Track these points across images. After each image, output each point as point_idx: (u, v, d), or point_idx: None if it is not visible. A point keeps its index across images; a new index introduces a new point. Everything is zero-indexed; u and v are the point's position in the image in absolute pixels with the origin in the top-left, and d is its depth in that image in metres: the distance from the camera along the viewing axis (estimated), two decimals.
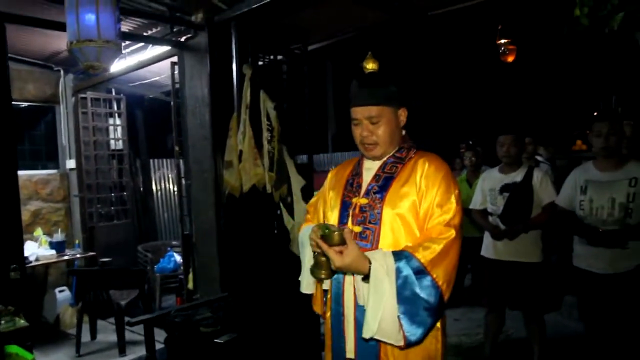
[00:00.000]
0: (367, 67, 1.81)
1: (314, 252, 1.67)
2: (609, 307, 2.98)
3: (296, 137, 4.04)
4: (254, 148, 3.57)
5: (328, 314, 1.85)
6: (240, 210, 3.75)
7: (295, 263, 1.90)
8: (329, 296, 1.84)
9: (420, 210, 1.69)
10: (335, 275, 1.75)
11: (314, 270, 1.67)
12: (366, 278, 1.58)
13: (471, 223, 4.26)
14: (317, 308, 1.95)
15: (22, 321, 2.47)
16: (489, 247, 3.69)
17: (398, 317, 1.54)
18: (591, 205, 3.01)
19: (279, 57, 4.18)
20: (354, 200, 1.79)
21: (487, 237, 3.75)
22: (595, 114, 3.49)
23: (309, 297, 2.04)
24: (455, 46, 5.98)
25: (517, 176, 3.61)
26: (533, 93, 7.68)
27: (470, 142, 5.50)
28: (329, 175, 2.02)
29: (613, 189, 2.94)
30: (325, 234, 1.59)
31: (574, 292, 3.70)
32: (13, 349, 2.03)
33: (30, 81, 5.72)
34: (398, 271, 1.55)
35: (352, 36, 4.66)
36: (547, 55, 6.61)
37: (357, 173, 1.88)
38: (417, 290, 1.55)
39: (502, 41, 5.51)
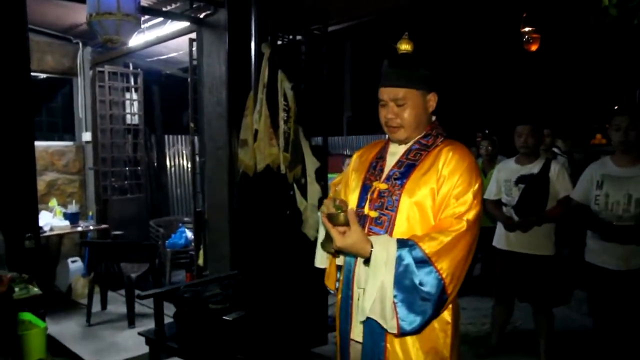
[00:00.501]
0: (401, 48, 1.75)
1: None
2: (620, 304, 2.95)
3: (312, 118, 4.02)
4: (269, 128, 3.56)
5: (339, 296, 1.84)
6: (254, 189, 3.75)
7: (306, 245, 1.91)
8: (341, 278, 1.83)
9: (437, 197, 1.65)
10: (347, 259, 1.75)
11: (324, 244, 1.68)
12: (367, 262, 1.58)
13: (484, 213, 4.22)
14: (329, 283, 1.94)
15: (36, 289, 2.50)
16: (502, 238, 3.66)
17: (394, 303, 1.53)
18: (607, 200, 2.97)
19: (298, 37, 4.14)
20: (375, 184, 1.76)
21: (499, 228, 3.72)
22: (616, 107, 3.43)
23: (317, 278, 2.05)
24: (478, 33, 5.88)
25: (534, 168, 3.56)
26: (555, 84, 7.54)
27: (487, 131, 5.44)
28: (354, 156, 2.00)
29: (630, 185, 2.90)
30: (330, 213, 1.58)
31: (585, 287, 3.67)
32: (26, 316, 2.06)
33: (48, 52, 5.74)
34: (399, 259, 1.53)
35: (372, 19, 4.60)
36: (571, 45, 6.48)
37: (381, 157, 1.85)
38: (417, 280, 1.52)
39: (526, 29, 5.39)
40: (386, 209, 1.70)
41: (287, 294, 3.39)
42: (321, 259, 1.91)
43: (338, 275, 1.87)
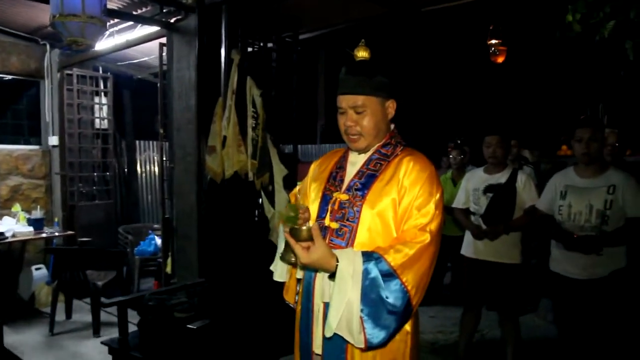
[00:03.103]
0: (358, 55, 1.74)
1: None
2: (583, 312, 3.00)
3: (282, 126, 4.01)
4: (238, 134, 3.54)
5: (298, 308, 1.82)
6: (222, 196, 3.72)
7: (274, 252, 1.87)
8: (300, 289, 1.80)
9: (399, 209, 1.64)
10: (307, 272, 1.73)
11: (284, 256, 1.64)
12: (332, 276, 1.55)
13: (453, 222, 4.27)
14: (289, 297, 1.92)
15: None
16: (469, 246, 3.69)
17: (361, 318, 1.51)
18: (569, 210, 3.03)
19: (269, 44, 4.14)
20: (335, 195, 1.74)
21: (467, 236, 3.75)
22: (581, 117, 3.50)
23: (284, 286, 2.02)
24: (447, 44, 5.97)
25: (502, 177, 3.61)
26: (521, 95, 7.70)
27: (458, 141, 5.50)
28: (312, 165, 1.97)
29: (591, 196, 2.96)
30: (293, 228, 1.55)
31: (550, 295, 3.73)
32: None
33: (14, 53, 5.62)
34: (365, 272, 1.50)
35: (345, 27, 4.63)
36: (537, 58, 6.63)
37: (341, 166, 1.82)
38: (384, 293, 1.51)
39: (493, 41, 5.50)
40: (347, 220, 1.68)
41: (254, 302, 3.35)
42: (280, 273, 1.86)
43: (297, 287, 1.84)
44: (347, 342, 1.58)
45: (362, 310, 1.51)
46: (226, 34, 3.72)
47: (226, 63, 3.69)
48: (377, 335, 1.52)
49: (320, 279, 1.69)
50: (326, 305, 1.66)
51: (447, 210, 5.09)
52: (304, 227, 1.54)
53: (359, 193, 1.69)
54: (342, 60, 1.81)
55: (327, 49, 8.53)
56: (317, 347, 1.71)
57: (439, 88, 7.61)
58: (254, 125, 3.53)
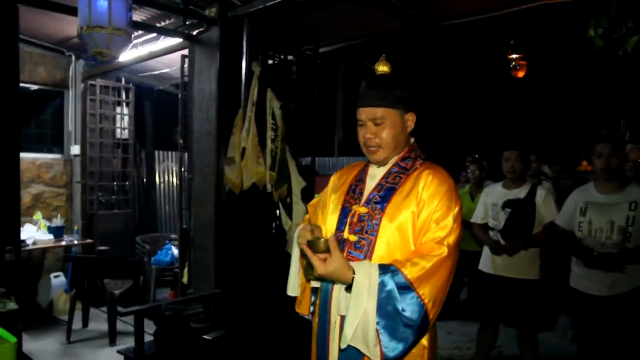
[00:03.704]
0: (378, 69, 1.78)
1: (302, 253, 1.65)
2: (603, 330, 2.94)
3: (301, 138, 4.03)
4: (257, 146, 3.56)
5: (315, 320, 1.82)
6: (240, 207, 3.73)
7: (290, 264, 1.87)
8: (317, 301, 1.80)
9: (417, 222, 1.64)
10: (324, 284, 1.74)
11: (307, 272, 1.65)
12: (349, 288, 1.55)
13: (471, 237, 4.23)
14: (302, 310, 1.91)
15: (12, 304, 2.46)
16: (488, 262, 3.65)
17: (377, 330, 1.51)
18: (590, 227, 2.98)
19: (290, 57, 4.18)
20: (354, 207, 1.74)
21: (486, 252, 3.71)
22: (602, 132, 3.46)
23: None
24: (467, 58, 5.96)
25: (521, 192, 3.58)
26: (542, 110, 7.64)
27: (477, 156, 5.46)
28: (332, 177, 1.98)
29: (613, 212, 2.91)
30: (311, 240, 1.58)
31: (569, 313, 3.66)
32: None
33: (41, 64, 5.74)
34: (382, 285, 1.51)
35: (364, 41, 4.65)
36: (558, 73, 6.58)
37: (360, 179, 1.83)
38: (400, 306, 1.51)
39: (514, 56, 5.48)
40: (366, 233, 1.68)
41: (270, 314, 3.35)
42: (293, 287, 1.86)
43: (313, 298, 1.84)
44: (363, 355, 1.58)
45: (378, 323, 1.51)
46: (247, 46, 3.77)
47: (247, 75, 3.73)
48: (394, 348, 1.51)
49: (338, 291, 1.68)
50: (343, 318, 1.65)
51: (465, 225, 5.04)
52: (322, 239, 1.56)
53: (378, 206, 1.70)
54: (361, 74, 1.82)
55: (346, 63, 8.57)
56: (333, 359, 1.71)
57: (458, 102, 7.59)
58: (273, 137, 3.56)
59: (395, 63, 1.81)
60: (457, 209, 1.66)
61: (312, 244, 1.55)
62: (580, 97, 7.21)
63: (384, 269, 1.54)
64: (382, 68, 1.78)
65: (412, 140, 1.84)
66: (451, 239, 1.61)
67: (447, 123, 7.82)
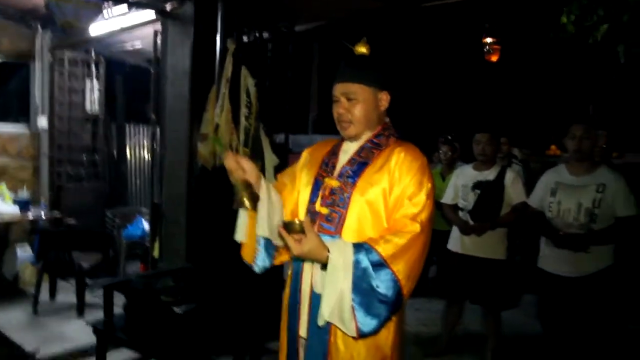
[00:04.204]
0: (358, 50, 1.80)
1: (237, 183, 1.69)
2: (569, 309, 3.02)
3: (275, 116, 4.02)
4: (230, 123, 3.55)
5: (287, 292, 1.86)
6: (212, 183, 3.72)
7: None
8: (289, 272, 1.85)
9: (390, 198, 1.67)
10: (295, 260, 1.78)
11: (238, 199, 1.69)
12: (325, 267, 1.58)
13: (441, 216, 4.32)
14: (247, 257, 1.90)
15: None
16: (456, 241, 3.74)
17: (352, 307, 1.54)
18: (559, 207, 3.05)
19: (265, 34, 4.14)
20: (326, 180, 1.78)
21: (455, 232, 3.80)
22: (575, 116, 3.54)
23: (272, 273, 2.03)
24: (443, 40, 5.99)
25: (490, 174, 3.66)
26: (513, 94, 7.76)
27: (449, 137, 5.53)
28: (305, 152, 2.00)
29: (581, 193, 2.99)
30: (286, 221, 1.62)
31: (535, 292, 3.77)
32: None
33: (4, 35, 5.54)
34: (356, 263, 1.55)
35: (342, 20, 4.63)
36: (530, 58, 6.68)
37: (334, 153, 1.87)
38: (374, 283, 1.54)
39: (488, 40, 5.53)
40: (337, 206, 1.72)
41: (241, 289, 3.37)
42: (241, 233, 1.88)
43: (256, 246, 1.85)
44: (331, 324, 1.62)
45: (353, 300, 1.54)
46: (222, 22, 3.71)
47: (221, 52, 3.69)
48: (369, 323, 1.55)
49: (309, 266, 1.73)
50: (313, 294, 1.71)
51: (436, 206, 5.12)
52: (296, 221, 1.59)
53: (350, 180, 1.73)
54: (337, 53, 1.84)
55: (322, 42, 8.52)
56: (303, 330, 1.76)
57: (432, 83, 7.65)
58: (247, 114, 3.54)
59: (372, 43, 1.83)
60: (429, 185, 1.69)
61: (288, 225, 1.58)
62: (551, 83, 7.34)
63: (358, 247, 1.57)
64: (362, 49, 1.80)
65: (387, 119, 1.87)
66: (424, 215, 1.64)
67: (422, 103, 7.88)
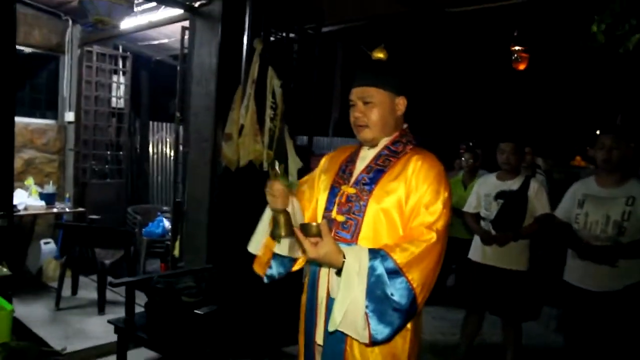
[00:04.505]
0: (375, 55, 1.81)
1: (273, 210, 1.74)
2: (593, 324, 2.96)
3: (299, 117, 4.02)
4: (255, 124, 3.55)
5: (304, 298, 1.87)
6: (235, 184, 3.73)
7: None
8: (306, 279, 1.86)
9: (406, 207, 1.66)
10: (312, 265, 1.80)
11: (274, 232, 1.74)
12: (339, 272, 1.59)
13: (462, 225, 4.28)
14: (258, 268, 1.96)
15: (5, 269, 2.45)
16: (477, 251, 3.70)
17: (366, 314, 1.54)
18: (586, 219, 2.99)
19: (291, 35, 4.14)
20: (343, 188, 1.78)
21: (476, 241, 3.76)
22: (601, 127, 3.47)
23: (292, 277, 2.04)
24: (469, 46, 5.93)
25: (514, 184, 3.61)
26: (539, 103, 7.65)
27: (471, 144, 5.48)
28: (324, 158, 2.01)
29: (609, 206, 2.92)
30: (304, 224, 1.63)
31: (555, 304, 3.72)
32: None
33: (36, 27, 5.62)
34: (371, 269, 1.54)
35: (366, 23, 4.61)
36: (558, 67, 6.58)
37: (351, 160, 1.87)
38: (389, 290, 1.54)
39: (516, 48, 5.46)
40: (353, 213, 1.72)
41: (261, 292, 3.38)
42: (256, 245, 1.93)
43: (274, 266, 1.91)
44: (347, 335, 1.63)
45: (367, 307, 1.54)
46: (250, 22, 3.72)
47: (248, 51, 3.70)
48: (382, 331, 1.54)
49: (325, 272, 1.74)
50: (330, 299, 1.70)
51: (456, 213, 5.08)
52: (314, 224, 1.58)
53: (366, 187, 1.73)
54: (359, 56, 1.86)
55: (345, 44, 8.51)
56: (319, 337, 1.76)
57: (457, 90, 7.58)
58: (272, 115, 3.54)
59: (396, 47, 1.83)
60: (446, 194, 1.68)
61: (304, 228, 1.58)
62: (578, 93, 7.22)
63: (374, 253, 1.57)
64: (379, 55, 1.81)
65: (405, 125, 1.87)
66: (440, 224, 1.64)
67: (445, 110, 7.81)
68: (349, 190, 1.75)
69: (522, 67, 5.50)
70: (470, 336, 3.88)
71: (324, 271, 1.74)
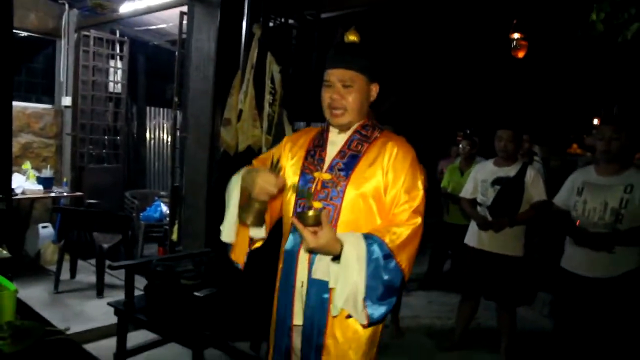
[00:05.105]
0: (349, 38, 1.80)
1: (248, 196, 1.68)
2: (585, 310, 2.99)
3: (297, 103, 4.02)
4: (254, 109, 3.56)
5: (277, 285, 1.87)
6: (234, 169, 3.73)
7: (281, 226, 1.90)
8: (280, 266, 1.85)
9: (387, 195, 1.71)
10: (288, 249, 1.79)
11: (241, 215, 1.70)
12: (335, 259, 1.61)
13: (459, 211, 4.31)
14: (236, 257, 1.92)
15: (5, 252, 2.47)
16: (474, 237, 3.74)
17: (364, 298, 1.60)
18: (584, 206, 3.01)
19: (290, 20, 4.13)
20: (316, 174, 1.77)
21: (472, 227, 3.79)
22: (598, 117, 3.49)
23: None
24: (468, 33, 5.92)
25: (511, 171, 3.64)
26: (537, 91, 7.65)
27: (468, 131, 5.51)
28: (286, 141, 1.96)
29: (608, 193, 2.94)
30: (301, 212, 1.61)
31: (552, 290, 3.74)
32: None
33: (32, 10, 5.58)
34: (369, 255, 1.59)
35: (366, 10, 4.59)
36: (557, 55, 6.57)
37: (319, 145, 1.85)
38: (383, 273, 1.60)
39: (515, 35, 5.44)
40: (331, 199, 1.72)
41: (259, 274, 3.41)
42: (228, 233, 1.86)
43: (248, 248, 1.88)
44: (327, 314, 1.69)
45: (366, 290, 1.59)
46: (249, 7, 3.71)
47: (247, 37, 3.69)
48: (378, 310, 1.62)
49: (305, 257, 1.73)
50: (311, 283, 1.72)
51: (453, 199, 5.09)
52: (311, 213, 1.57)
53: (342, 173, 1.74)
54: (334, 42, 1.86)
55: (345, 30, 8.47)
56: (298, 318, 1.77)
57: (455, 77, 7.57)
58: (271, 101, 3.55)
59: (395, 33, 1.82)
60: (422, 177, 1.77)
61: (302, 217, 1.57)
62: (576, 81, 7.22)
63: (369, 239, 1.61)
64: (352, 37, 1.80)
65: (371, 112, 1.91)
66: (422, 207, 1.72)
67: (442, 97, 7.81)
68: (323, 176, 1.75)
69: (521, 54, 5.48)
70: (465, 320, 3.93)
71: (302, 256, 1.74)
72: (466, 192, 3.88)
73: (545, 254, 4.38)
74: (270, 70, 3.59)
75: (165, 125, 7.61)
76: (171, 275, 2.97)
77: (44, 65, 6.04)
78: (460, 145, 5.37)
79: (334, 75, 1.74)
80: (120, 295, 3.26)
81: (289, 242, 1.79)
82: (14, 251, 3.01)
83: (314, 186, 1.75)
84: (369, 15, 4.63)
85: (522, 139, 4.22)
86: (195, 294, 2.74)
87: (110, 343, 3.27)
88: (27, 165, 5.41)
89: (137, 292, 3.22)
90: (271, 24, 3.95)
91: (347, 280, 1.58)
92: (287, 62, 3.92)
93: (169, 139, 7.19)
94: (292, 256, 1.77)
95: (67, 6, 5.73)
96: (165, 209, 5.65)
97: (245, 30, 3.72)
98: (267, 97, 3.56)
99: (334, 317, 1.69)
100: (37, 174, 5.33)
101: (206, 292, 2.74)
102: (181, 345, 3.02)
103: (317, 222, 1.55)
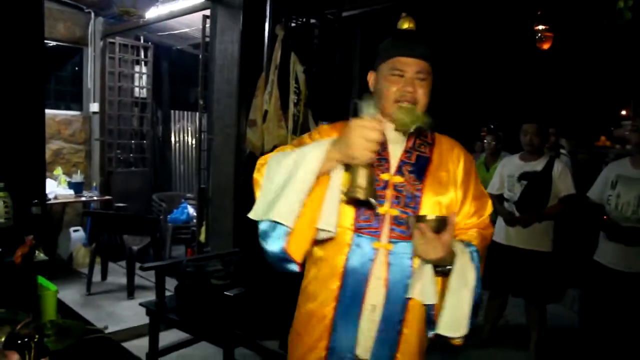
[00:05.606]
0: (404, 26, 1.61)
1: (355, 164, 1.33)
2: (616, 304, 2.95)
3: (322, 102, 4.04)
4: (279, 110, 3.59)
5: (332, 305, 1.52)
6: None
7: None
8: (338, 284, 1.51)
9: (462, 207, 1.56)
10: (357, 267, 1.48)
11: (351, 190, 1.32)
12: (441, 270, 1.44)
13: None
14: (293, 252, 1.45)
15: (42, 255, 2.54)
16: (501, 233, 3.70)
17: (469, 314, 1.45)
18: (617, 200, 2.96)
19: (312, 20, 4.15)
20: (385, 176, 1.51)
21: (499, 223, 3.76)
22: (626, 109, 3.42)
23: None
24: (493, 27, 5.85)
25: (538, 165, 3.60)
26: (563, 84, 7.51)
27: (492, 126, 5.45)
28: (324, 131, 1.65)
29: None
30: (419, 216, 1.41)
31: (580, 286, 3.69)
32: (39, 279, 2.11)
33: (60, 20, 5.73)
34: (476, 269, 1.45)
35: (387, 6, 4.59)
36: (583, 46, 6.44)
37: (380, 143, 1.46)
38: (478, 285, 1.47)
39: (540, 27, 5.35)
40: (406, 205, 1.49)
41: (288, 275, 3.45)
42: (286, 213, 1.40)
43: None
44: (399, 341, 1.49)
45: (471, 304, 1.45)
46: (271, 8, 3.75)
47: (269, 38, 3.73)
48: (470, 324, 1.46)
49: (377, 277, 1.47)
50: (388, 302, 1.48)
51: None
52: (433, 217, 1.38)
53: (414, 176, 1.52)
54: (379, 39, 1.71)
55: (364, 28, 8.46)
56: (365, 351, 1.49)
57: (479, 71, 7.49)
58: (295, 101, 3.57)
59: (418, 27, 1.73)
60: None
61: (422, 221, 1.37)
62: (603, 72, 7.07)
63: (470, 248, 1.47)
64: (409, 24, 1.60)
65: None
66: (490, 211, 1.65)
67: (467, 91, 7.73)
68: (395, 179, 1.51)
69: (546, 46, 5.39)
70: (494, 318, 3.90)
71: (375, 277, 1.47)
72: (492, 188, 3.85)
73: (574, 249, 4.31)
74: (294, 71, 3.61)
75: (189, 128, 7.71)
76: (201, 276, 3.02)
77: (72, 73, 6.19)
78: (485, 141, 5.31)
79: (409, 65, 1.48)
80: (149, 296, 3.32)
81: (354, 259, 1.48)
82: (49, 254, 3.10)
83: (388, 190, 1.50)
84: (388, 12, 4.62)
85: (548, 132, 4.17)
86: (226, 293, 2.78)
87: (142, 343, 3.34)
88: (58, 170, 5.55)
89: (168, 293, 3.29)
90: (293, 24, 3.98)
91: (461, 295, 1.41)
92: (311, 61, 3.94)
93: (194, 142, 7.29)
94: (362, 275, 1.48)
95: (93, 15, 5.85)
96: (191, 210, 5.73)
97: (268, 32, 3.75)
98: (292, 97, 3.59)
99: (380, 339, 1.48)
100: (68, 179, 5.47)
101: (236, 292, 2.78)
102: (212, 344, 3.07)
103: (439, 229, 1.36)
